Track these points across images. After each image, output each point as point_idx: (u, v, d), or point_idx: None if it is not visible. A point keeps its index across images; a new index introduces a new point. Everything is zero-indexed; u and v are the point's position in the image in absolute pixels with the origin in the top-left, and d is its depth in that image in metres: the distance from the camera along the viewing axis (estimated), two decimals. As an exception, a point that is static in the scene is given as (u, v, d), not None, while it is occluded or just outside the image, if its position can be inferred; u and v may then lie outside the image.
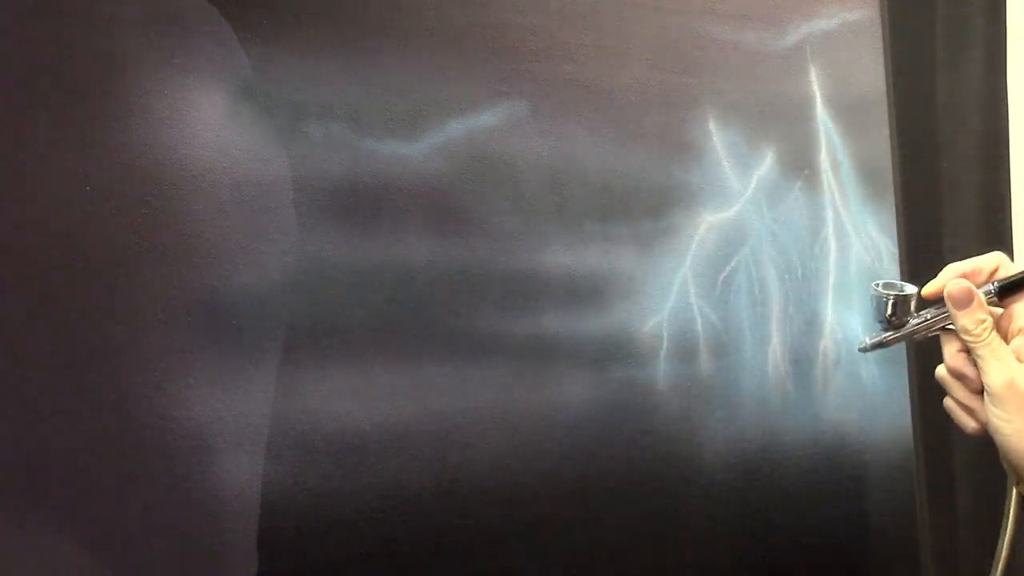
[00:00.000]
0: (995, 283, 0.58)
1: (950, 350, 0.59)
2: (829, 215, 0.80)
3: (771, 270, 0.77)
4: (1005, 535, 0.62)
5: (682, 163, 0.73)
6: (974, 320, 0.56)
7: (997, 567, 0.63)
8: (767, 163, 0.77)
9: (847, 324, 0.81)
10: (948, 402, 0.61)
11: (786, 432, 0.77)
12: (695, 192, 0.73)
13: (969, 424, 0.59)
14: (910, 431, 0.83)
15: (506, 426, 0.64)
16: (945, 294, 0.58)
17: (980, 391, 0.57)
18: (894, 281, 0.62)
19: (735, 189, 0.75)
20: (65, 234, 0.52)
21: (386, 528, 0.60)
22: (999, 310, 0.58)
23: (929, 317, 0.60)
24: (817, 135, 0.80)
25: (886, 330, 0.62)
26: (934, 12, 1.02)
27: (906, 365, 0.84)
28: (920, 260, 0.90)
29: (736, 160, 0.75)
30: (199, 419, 0.55)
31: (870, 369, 0.81)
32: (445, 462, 0.62)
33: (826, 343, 0.79)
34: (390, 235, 0.61)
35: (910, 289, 0.61)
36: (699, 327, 0.73)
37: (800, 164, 0.78)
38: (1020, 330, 0.57)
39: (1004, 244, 1.05)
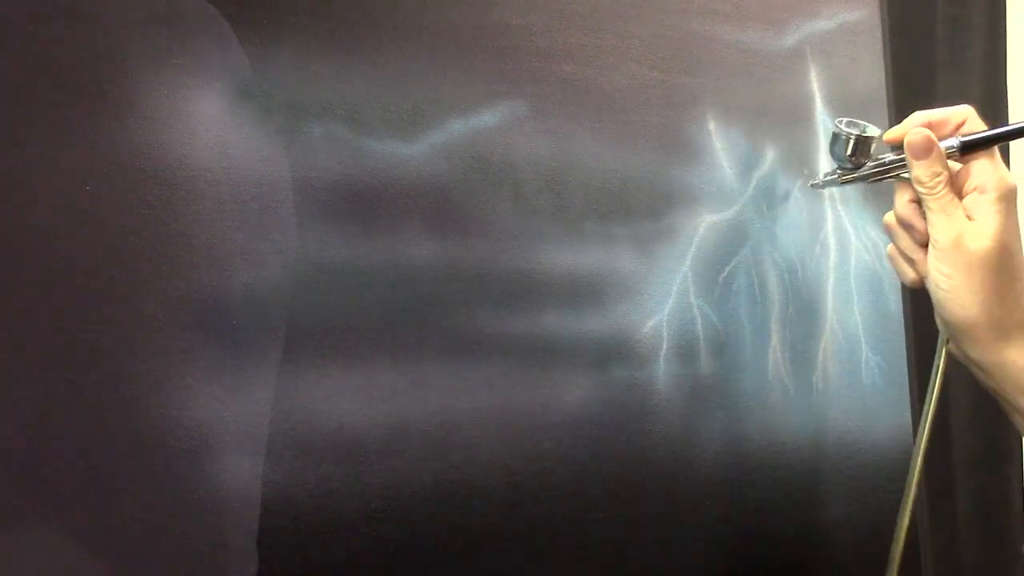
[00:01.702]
0: (959, 138, 0.56)
1: (902, 199, 0.58)
2: (829, 215, 0.80)
3: (771, 270, 0.77)
4: (933, 391, 0.61)
5: (682, 163, 0.73)
6: (929, 172, 0.55)
7: (924, 424, 0.61)
8: (767, 163, 0.77)
9: (847, 324, 0.81)
10: (891, 249, 0.60)
11: (786, 432, 0.77)
12: (695, 192, 0.73)
13: (908, 274, 0.59)
14: (910, 431, 0.83)
15: (506, 426, 0.64)
16: (905, 142, 0.56)
17: (925, 243, 0.57)
18: (857, 121, 0.60)
19: (735, 189, 0.75)
20: (65, 234, 0.52)
21: (386, 528, 0.60)
22: (957, 165, 0.56)
23: (887, 162, 0.59)
24: (817, 135, 0.80)
25: (843, 169, 0.61)
26: (934, 12, 1.02)
27: (906, 364, 0.84)
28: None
29: (736, 160, 0.75)
30: (199, 419, 0.55)
31: (870, 369, 0.81)
32: (445, 462, 0.62)
33: (826, 343, 0.79)
34: (390, 235, 0.61)
35: (873, 130, 0.59)
36: (699, 327, 0.73)
37: (800, 164, 0.78)
38: (976, 188, 0.55)
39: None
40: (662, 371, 0.71)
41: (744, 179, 0.76)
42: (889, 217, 0.60)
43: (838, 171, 0.61)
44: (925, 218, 0.56)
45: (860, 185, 0.82)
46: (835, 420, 0.79)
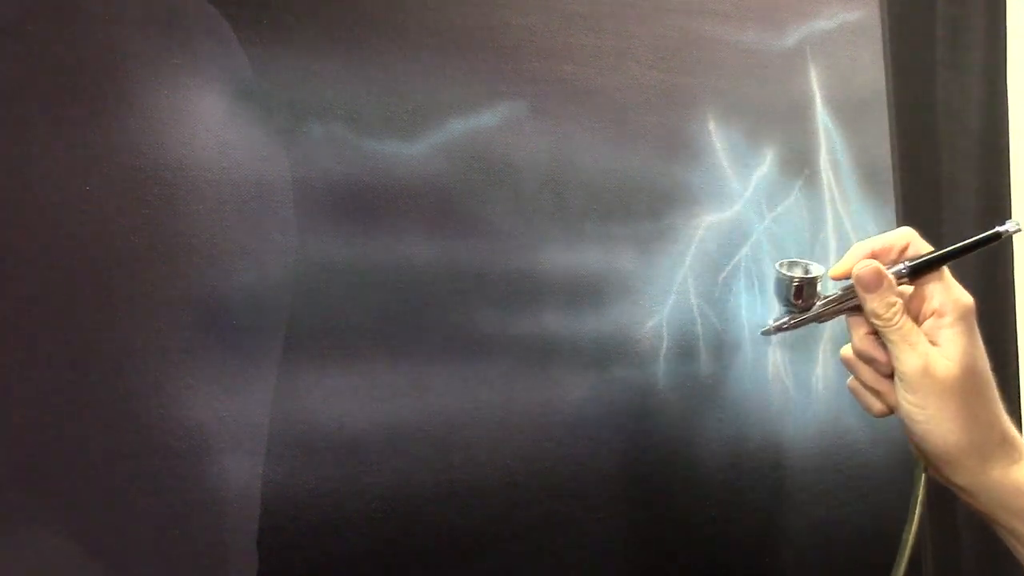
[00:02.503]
0: (906, 263, 0.55)
1: (858, 332, 0.57)
2: (829, 215, 0.80)
3: (771, 270, 0.77)
4: (913, 519, 0.59)
5: (682, 163, 0.73)
6: (884, 304, 0.54)
7: (905, 549, 0.60)
8: (767, 163, 0.77)
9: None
10: (852, 383, 0.59)
11: (786, 432, 0.77)
12: (695, 192, 0.73)
13: (875, 406, 0.57)
14: (910, 431, 0.83)
15: (506, 426, 0.64)
16: (853, 276, 0.55)
17: (889, 374, 0.55)
18: (799, 260, 0.58)
19: (735, 189, 0.75)
20: (65, 234, 0.52)
21: (386, 528, 0.60)
22: (910, 289, 0.55)
23: (836, 299, 0.57)
24: (817, 135, 0.80)
25: (791, 313, 0.59)
26: (934, 12, 1.02)
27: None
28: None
29: (736, 160, 0.75)
30: (199, 419, 0.55)
31: (870, 369, 0.81)
32: (445, 462, 0.62)
33: (826, 343, 0.79)
34: (390, 235, 0.61)
35: (816, 270, 0.58)
36: (699, 327, 0.73)
37: (800, 164, 0.78)
38: (933, 312, 0.54)
39: (1003, 244, 1.05)
40: (662, 371, 0.71)
41: (744, 179, 0.76)
42: (847, 351, 0.58)
43: (787, 315, 0.59)
44: (886, 349, 0.55)
45: (859, 184, 0.82)
46: (835, 420, 0.79)
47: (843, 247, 0.81)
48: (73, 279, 0.52)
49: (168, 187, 0.55)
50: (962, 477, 0.54)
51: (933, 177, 1.05)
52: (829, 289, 0.59)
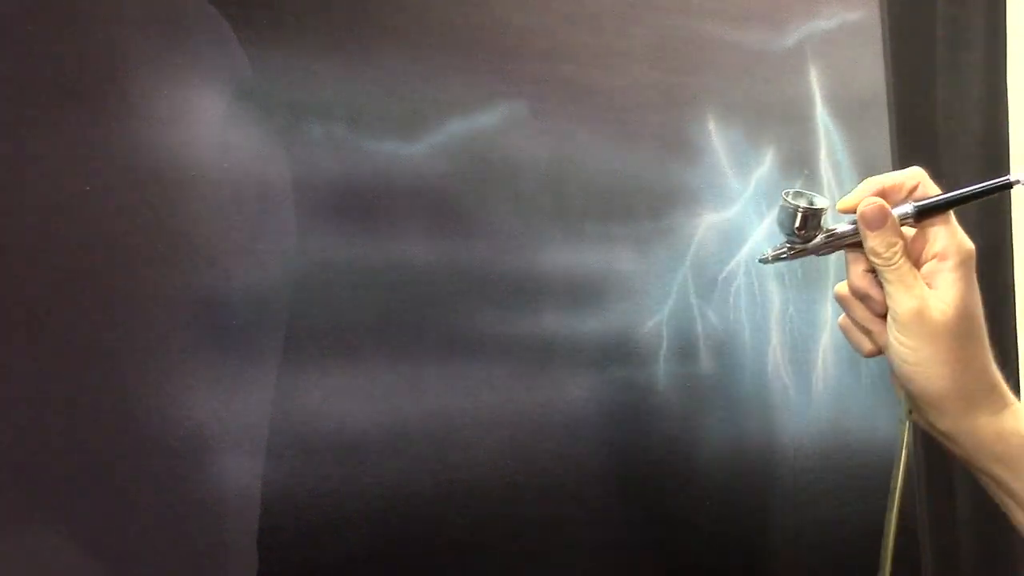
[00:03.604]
0: (913, 204, 0.54)
1: (856, 269, 0.56)
2: (829, 215, 0.80)
3: (771, 270, 0.77)
4: (900, 464, 0.59)
5: (682, 163, 0.73)
6: (885, 243, 0.53)
7: (894, 497, 0.59)
8: (767, 163, 0.77)
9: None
10: (843, 321, 0.59)
11: (786, 432, 0.77)
12: (695, 192, 0.73)
13: (865, 345, 0.57)
14: (910, 431, 0.83)
15: (506, 426, 0.64)
16: (858, 213, 0.54)
17: (882, 314, 0.55)
18: (805, 191, 0.57)
19: (735, 189, 0.75)
20: (65, 234, 0.52)
21: (386, 528, 0.60)
22: (912, 231, 0.55)
23: (838, 233, 0.56)
24: (817, 135, 0.80)
25: (792, 243, 0.58)
26: (934, 12, 1.02)
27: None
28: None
29: (736, 160, 0.75)
30: (199, 419, 0.55)
31: (870, 369, 0.81)
32: (445, 462, 0.62)
33: (826, 343, 0.79)
34: (390, 235, 0.61)
35: (822, 202, 0.57)
36: (699, 327, 0.73)
37: (800, 164, 0.78)
38: (935, 255, 0.53)
39: (1004, 243, 1.05)
40: (662, 371, 0.71)
41: (744, 179, 0.76)
42: (841, 288, 0.58)
43: (787, 245, 0.58)
44: (882, 288, 0.54)
45: (860, 182, 0.82)
46: (835, 420, 0.79)
47: (843, 247, 0.80)
48: (73, 279, 0.52)
49: (168, 187, 0.55)
50: (946, 422, 0.54)
51: (933, 177, 1.05)
52: (832, 226, 0.58)
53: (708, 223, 0.74)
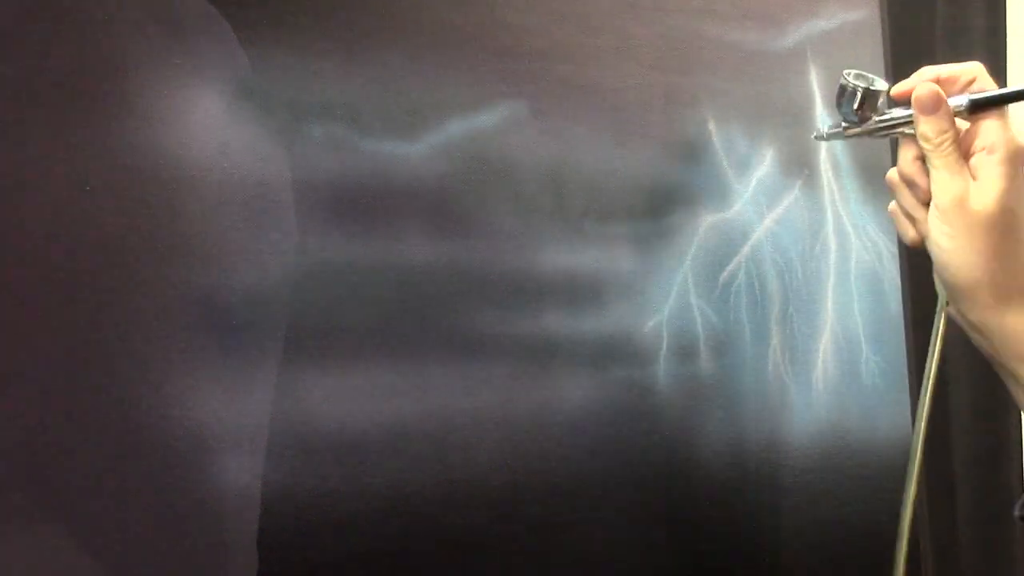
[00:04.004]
0: (969, 96, 0.54)
1: (906, 155, 0.57)
2: (829, 215, 0.80)
3: (771, 270, 0.77)
4: (934, 355, 0.60)
5: (682, 163, 0.73)
6: (936, 128, 0.54)
7: (927, 389, 0.60)
8: (767, 163, 0.77)
9: (847, 324, 0.81)
10: (893, 207, 0.59)
11: (786, 432, 0.77)
12: (695, 192, 0.73)
13: (909, 232, 0.58)
14: (910, 431, 0.83)
15: (506, 426, 0.64)
16: (912, 96, 0.55)
17: (928, 201, 0.55)
18: (866, 73, 0.58)
19: (735, 189, 0.75)
20: (65, 234, 0.52)
21: (386, 528, 0.60)
22: (965, 124, 0.55)
23: (893, 117, 0.57)
24: (817, 135, 0.80)
25: (848, 122, 0.58)
26: (934, 12, 1.02)
27: (906, 364, 0.84)
28: (920, 260, 0.90)
29: (736, 160, 0.75)
30: (199, 419, 0.55)
31: (870, 369, 0.81)
32: (445, 462, 0.62)
33: (826, 343, 0.79)
34: (390, 235, 0.61)
35: (881, 84, 0.57)
36: (699, 327, 0.73)
37: (800, 164, 0.78)
38: (984, 148, 0.54)
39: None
40: (662, 371, 0.71)
41: (744, 179, 0.76)
42: (892, 173, 0.59)
43: (843, 124, 0.59)
44: (928, 175, 0.55)
45: (859, 184, 0.82)
46: (835, 420, 0.79)
47: (843, 247, 0.81)
48: (73, 279, 0.52)
49: (168, 187, 0.55)
50: (977, 313, 0.54)
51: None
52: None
53: (708, 223, 0.74)
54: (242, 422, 0.56)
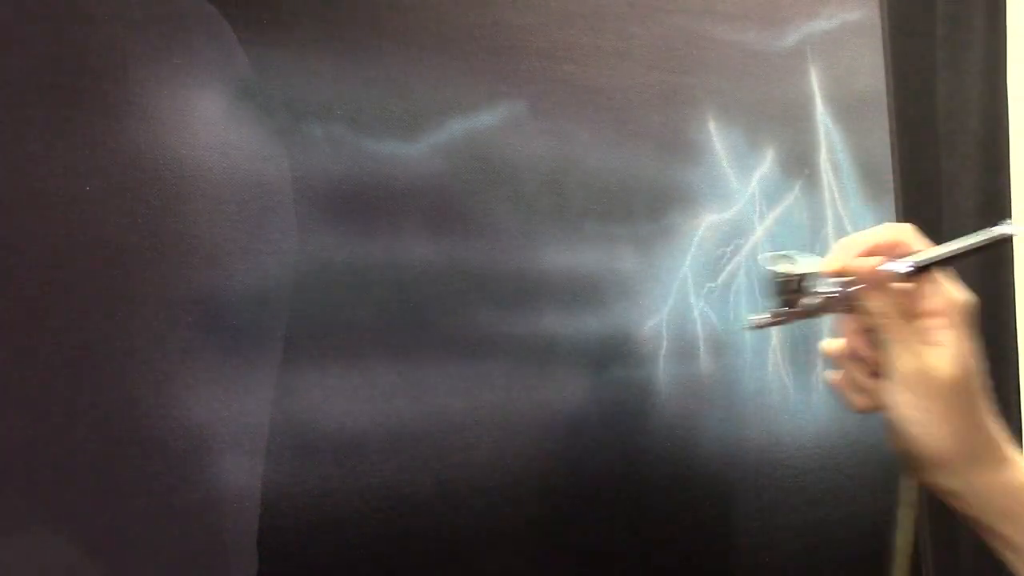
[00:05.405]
0: (910, 261, 0.53)
1: (848, 328, 0.55)
2: (829, 215, 0.80)
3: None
4: (906, 530, 0.58)
5: (682, 163, 0.73)
6: (887, 302, 0.52)
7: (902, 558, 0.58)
8: (767, 163, 0.77)
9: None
10: (836, 379, 0.57)
11: (786, 432, 0.77)
12: (695, 192, 0.73)
13: (858, 403, 0.56)
14: (910, 431, 0.83)
15: (506, 426, 0.64)
16: (856, 274, 0.53)
17: (875, 372, 0.54)
18: (787, 252, 0.54)
19: (735, 189, 0.75)
20: (65, 234, 0.52)
21: (386, 528, 0.60)
22: (909, 286, 0.53)
23: (830, 296, 0.54)
24: (817, 135, 0.80)
25: (781, 307, 0.55)
26: (934, 12, 1.02)
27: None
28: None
29: (736, 160, 0.75)
30: (199, 419, 0.55)
31: (870, 369, 0.81)
32: (445, 462, 0.62)
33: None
34: (390, 235, 0.61)
35: (805, 265, 0.54)
36: (699, 327, 0.73)
37: (800, 164, 0.78)
38: (931, 312, 0.52)
39: (1004, 243, 1.05)
40: (662, 371, 0.71)
41: (744, 179, 0.76)
42: (831, 345, 0.57)
43: (778, 310, 0.56)
44: (877, 347, 0.53)
45: (859, 184, 0.82)
46: (835, 420, 0.79)
47: (843, 247, 0.80)
48: (73, 279, 0.52)
49: (168, 187, 0.55)
50: (952, 480, 0.53)
51: (933, 177, 1.05)
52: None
53: (708, 223, 0.74)
54: (242, 422, 0.56)
